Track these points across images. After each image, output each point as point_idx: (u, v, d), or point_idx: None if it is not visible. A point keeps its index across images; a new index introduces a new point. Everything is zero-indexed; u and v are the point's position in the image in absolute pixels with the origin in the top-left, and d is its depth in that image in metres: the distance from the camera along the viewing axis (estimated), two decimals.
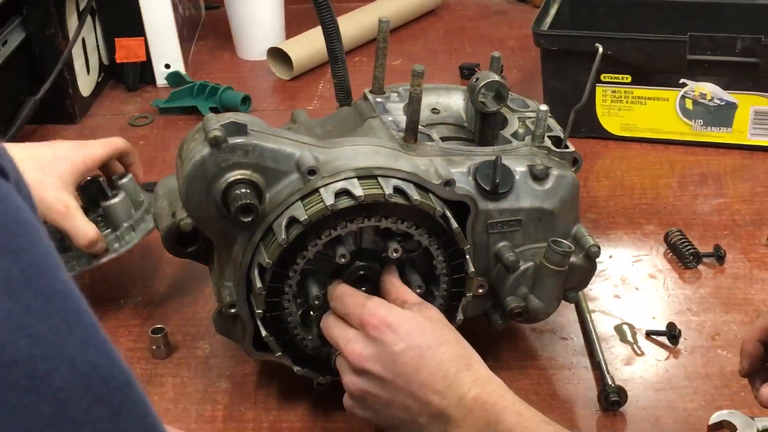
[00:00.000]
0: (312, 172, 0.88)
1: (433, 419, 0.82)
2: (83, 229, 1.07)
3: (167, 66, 1.69)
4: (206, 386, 1.02)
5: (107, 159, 1.16)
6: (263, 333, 0.91)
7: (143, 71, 1.70)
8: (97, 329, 0.48)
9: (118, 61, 1.69)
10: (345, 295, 0.89)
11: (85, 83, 1.63)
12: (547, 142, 1.00)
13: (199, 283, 1.16)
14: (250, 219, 0.87)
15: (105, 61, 1.71)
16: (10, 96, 1.51)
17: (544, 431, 0.79)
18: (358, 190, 0.87)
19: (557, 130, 1.04)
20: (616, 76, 1.38)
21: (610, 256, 1.17)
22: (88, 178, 1.14)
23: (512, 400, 0.81)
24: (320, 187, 0.88)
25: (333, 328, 0.89)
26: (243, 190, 0.86)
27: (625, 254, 1.18)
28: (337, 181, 0.88)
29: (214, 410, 0.99)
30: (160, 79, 1.70)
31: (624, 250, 1.19)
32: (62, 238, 1.10)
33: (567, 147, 1.00)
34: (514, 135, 1.03)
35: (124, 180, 1.16)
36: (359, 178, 0.89)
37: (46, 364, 0.44)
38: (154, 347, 1.06)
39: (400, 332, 0.83)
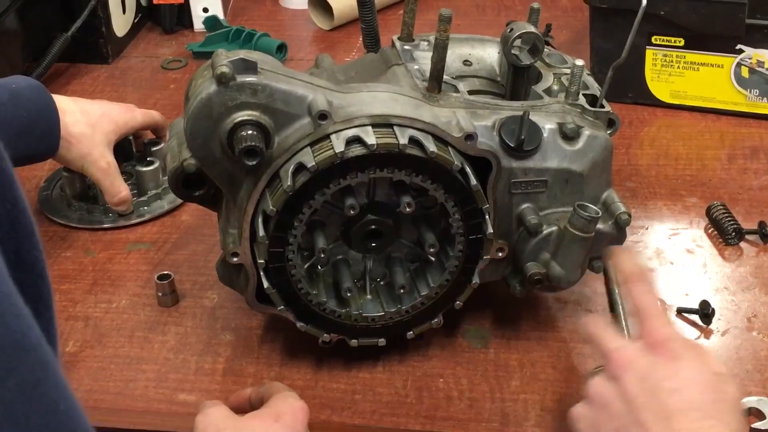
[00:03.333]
0: (323, 116, 0.82)
1: None
2: (118, 187, 1.13)
3: (205, 10, 1.65)
4: (209, 337, 0.98)
5: (145, 127, 1.22)
6: (265, 284, 0.86)
7: (180, 14, 1.66)
8: None
9: (155, 2, 1.65)
10: (600, 330, 0.79)
11: (120, 23, 1.59)
12: (582, 101, 0.93)
13: (214, 231, 1.11)
14: (255, 162, 0.81)
15: (142, 2, 1.67)
16: (41, 31, 1.48)
17: None
18: (371, 138, 0.81)
19: (594, 89, 0.97)
20: (668, 38, 1.30)
21: (646, 228, 1.10)
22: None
23: None
24: (331, 133, 0.83)
25: (604, 330, 0.79)
26: (249, 132, 0.81)
27: (662, 227, 1.11)
28: (349, 127, 0.83)
29: (214, 363, 0.95)
30: (198, 23, 1.66)
31: (662, 222, 1.12)
32: (94, 194, 1.17)
33: (603, 106, 0.93)
34: (548, 91, 0.96)
35: (158, 147, 1.21)
36: (374, 125, 0.83)
37: None
38: (160, 294, 1.02)
39: (682, 374, 0.71)
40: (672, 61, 1.31)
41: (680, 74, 1.32)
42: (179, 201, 1.18)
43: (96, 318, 1.01)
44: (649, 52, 1.32)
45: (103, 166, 1.11)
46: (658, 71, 1.33)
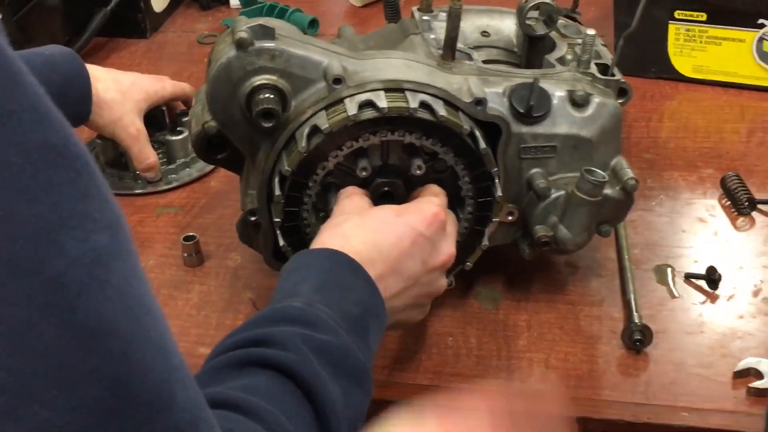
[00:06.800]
0: (338, 81, 0.86)
1: None
2: (146, 154, 1.18)
3: None
4: (231, 296, 1.02)
5: (175, 98, 1.26)
6: (281, 243, 0.90)
7: None
8: None
9: None
10: None
11: None
12: (593, 69, 0.95)
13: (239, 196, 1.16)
14: (271, 125, 0.85)
15: None
16: (81, 6, 1.53)
17: None
18: (382, 102, 0.85)
19: (607, 58, 0.99)
20: (690, 13, 1.31)
21: (660, 197, 1.12)
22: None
23: None
24: (345, 97, 0.86)
25: None
26: (267, 95, 0.85)
27: (676, 196, 1.13)
28: (363, 92, 0.86)
29: (235, 319, 0.99)
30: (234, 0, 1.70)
31: (676, 191, 1.14)
32: (126, 161, 1.21)
33: (613, 75, 0.96)
34: (561, 60, 0.99)
35: (187, 118, 1.23)
36: (386, 90, 0.86)
37: None
38: (186, 255, 1.06)
39: None
40: (695, 36, 1.33)
41: (702, 49, 1.33)
42: (207, 169, 1.23)
43: None
44: (672, 27, 1.33)
45: (132, 132, 1.16)
46: (681, 46, 1.34)
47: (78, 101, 1.09)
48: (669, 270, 1.01)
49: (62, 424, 0.43)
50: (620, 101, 0.96)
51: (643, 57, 1.34)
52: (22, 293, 0.41)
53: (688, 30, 1.33)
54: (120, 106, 1.15)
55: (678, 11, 1.31)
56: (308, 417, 0.64)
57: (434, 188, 0.88)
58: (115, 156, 1.24)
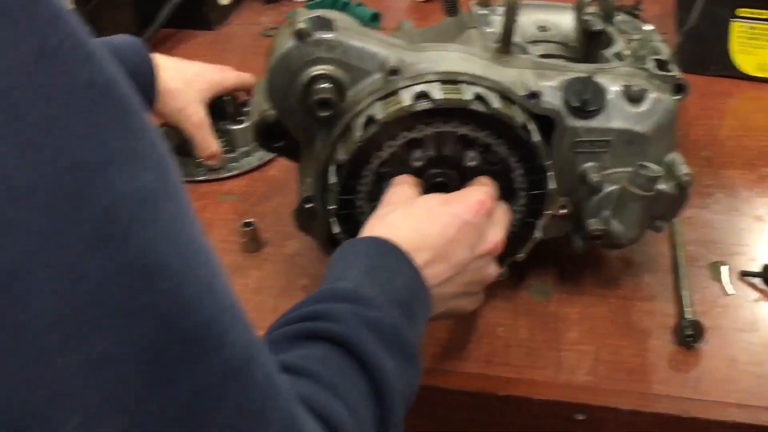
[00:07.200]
0: (394, 72, 0.87)
1: None
2: (209, 142, 1.21)
3: None
4: (287, 282, 1.04)
5: (238, 88, 1.28)
6: (335, 230, 0.92)
7: None
8: None
9: None
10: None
11: None
12: (651, 65, 0.96)
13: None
14: (328, 114, 0.87)
15: None
16: None
17: None
18: (437, 93, 0.86)
19: (665, 55, 0.99)
20: (754, 11, 1.30)
21: (718, 195, 1.12)
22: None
23: None
24: (401, 89, 0.87)
25: None
26: (324, 85, 0.87)
27: (734, 194, 1.12)
28: (418, 83, 0.87)
29: (290, 304, 1.00)
30: None
31: (733, 189, 1.13)
32: (189, 149, 1.23)
33: (670, 71, 0.96)
34: (617, 56, 0.99)
35: (249, 108, 1.26)
36: (442, 82, 0.88)
37: None
38: (244, 240, 1.09)
39: None
40: (758, 34, 1.31)
41: (766, 47, 1.32)
42: (267, 158, 1.25)
43: None
44: (735, 25, 1.32)
45: (195, 121, 1.19)
46: (744, 44, 1.33)
47: (143, 90, 1.13)
48: (723, 267, 1.01)
49: (116, 358, 0.44)
50: (677, 97, 0.96)
51: (704, 54, 1.34)
52: (75, 225, 0.42)
53: (752, 28, 1.31)
54: (184, 96, 1.18)
55: (742, 8, 1.30)
56: (364, 388, 0.65)
57: (483, 179, 0.89)
58: (179, 144, 1.27)
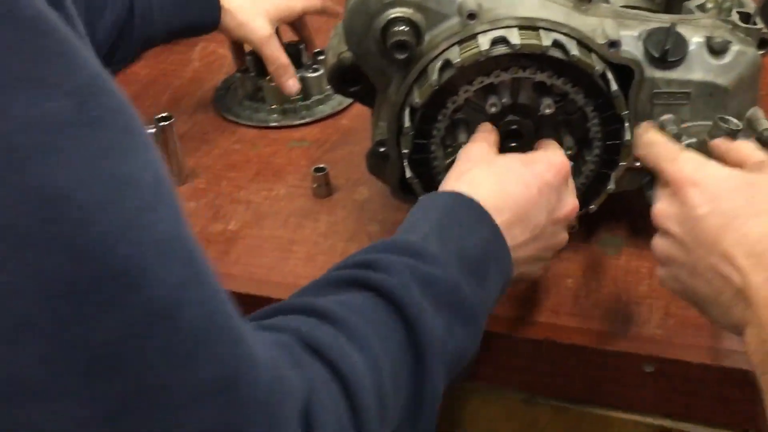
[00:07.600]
0: (472, 16, 0.87)
1: (735, 299, 0.69)
2: (278, 54, 1.21)
3: None
4: (357, 227, 1.05)
5: (305, 13, 1.28)
6: (408, 174, 0.92)
7: None
8: None
9: None
10: (655, 144, 0.81)
11: None
12: (735, 17, 0.94)
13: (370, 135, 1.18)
14: (405, 56, 0.87)
15: None
16: None
17: None
18: (515, 38, 0.85)
19: (750, 8, 0.97)
20: None
21: None
22: (291, 42, 1.29)
23: None
24: (479, 33, 0.87)
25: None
26: (401, 27, 0.87)
27: None
28: (496, 28, 0.87)
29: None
30: None
31: None
32: (263, 96, 1.26)
33: (755, 24, 0.93)
34: (701, 8, 0.97)
35: (324, 56, 1.28)
36: (520, 27, 0.87)
37: None
38: (315, 185, 1.10)
39: (707, 193, 0.72)
40: None
41: None
42: (340, 107, 1.26)
43: (256, 203, 1.10)
44: None
45: (261, 35, 1.20)
46: None
47: (206, 9, 1.14)
48: None
49: (21, 288, 0.43)
50: (761, 52, 0.94)
51: None
52: None
53: None
54: (248, 12, 1.19)
55: None
56: (402, 342, 0.65)
57: (553, 143, 0.88)
58: (253, 90, 1.28)
